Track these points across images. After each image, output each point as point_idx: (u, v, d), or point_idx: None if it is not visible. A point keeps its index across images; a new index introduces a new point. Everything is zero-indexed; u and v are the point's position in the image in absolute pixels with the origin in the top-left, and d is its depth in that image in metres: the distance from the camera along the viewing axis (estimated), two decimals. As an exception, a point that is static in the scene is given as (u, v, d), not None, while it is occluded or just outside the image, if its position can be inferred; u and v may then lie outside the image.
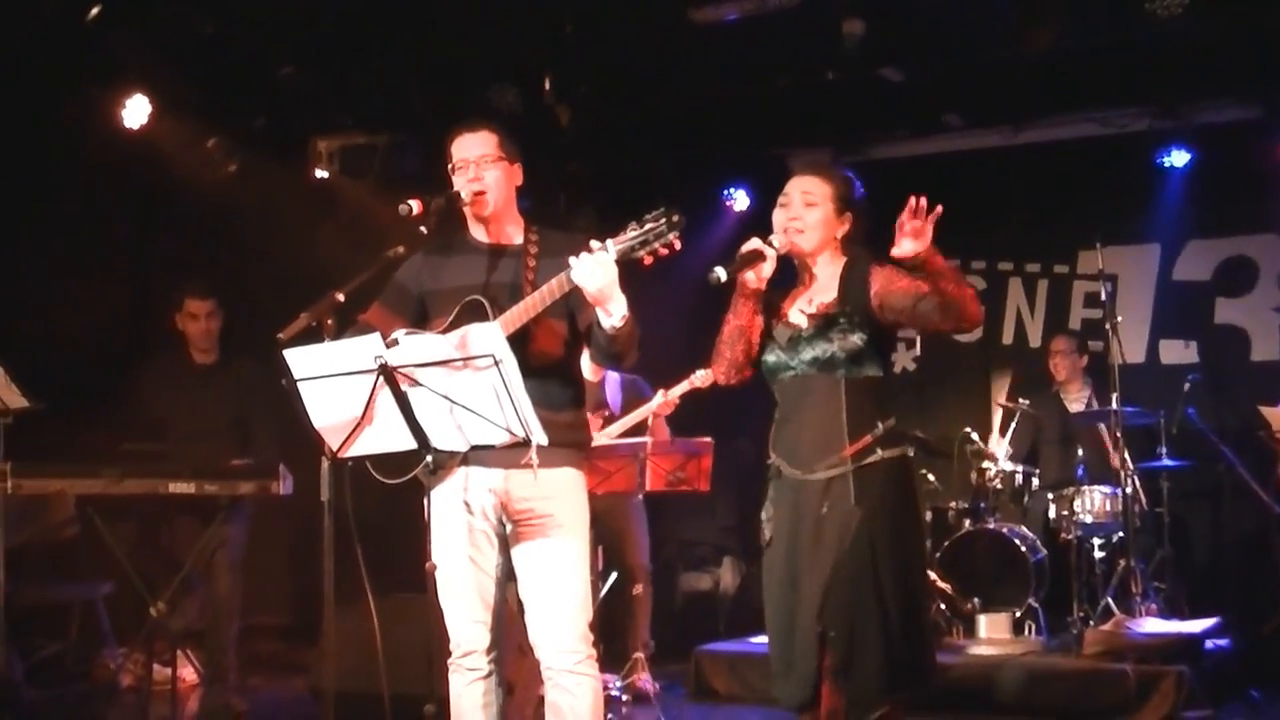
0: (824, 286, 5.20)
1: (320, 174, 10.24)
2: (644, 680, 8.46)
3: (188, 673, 8.79)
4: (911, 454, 5.17)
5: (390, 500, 5.09)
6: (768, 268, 5.10)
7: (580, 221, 10.67)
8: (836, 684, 4.97)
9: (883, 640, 4.94)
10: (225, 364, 8.41)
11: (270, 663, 9.60)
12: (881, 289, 5.08)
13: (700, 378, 8.49)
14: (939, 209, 4.77)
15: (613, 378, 8.93)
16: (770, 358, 5.20)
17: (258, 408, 8.15)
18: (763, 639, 9.20)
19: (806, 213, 5.17)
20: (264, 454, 8.07)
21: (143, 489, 7.77)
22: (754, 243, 5.11)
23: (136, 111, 9.19)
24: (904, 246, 4.82)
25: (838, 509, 4.99)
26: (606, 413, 8.72)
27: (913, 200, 4.76)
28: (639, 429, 8.45)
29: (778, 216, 5.21)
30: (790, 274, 5.31)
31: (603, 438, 8.24)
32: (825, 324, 5.10)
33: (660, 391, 8.56)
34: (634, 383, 8.94)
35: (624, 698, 8.40)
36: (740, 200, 11.82)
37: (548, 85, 9.70)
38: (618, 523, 8.64)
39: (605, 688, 8.03)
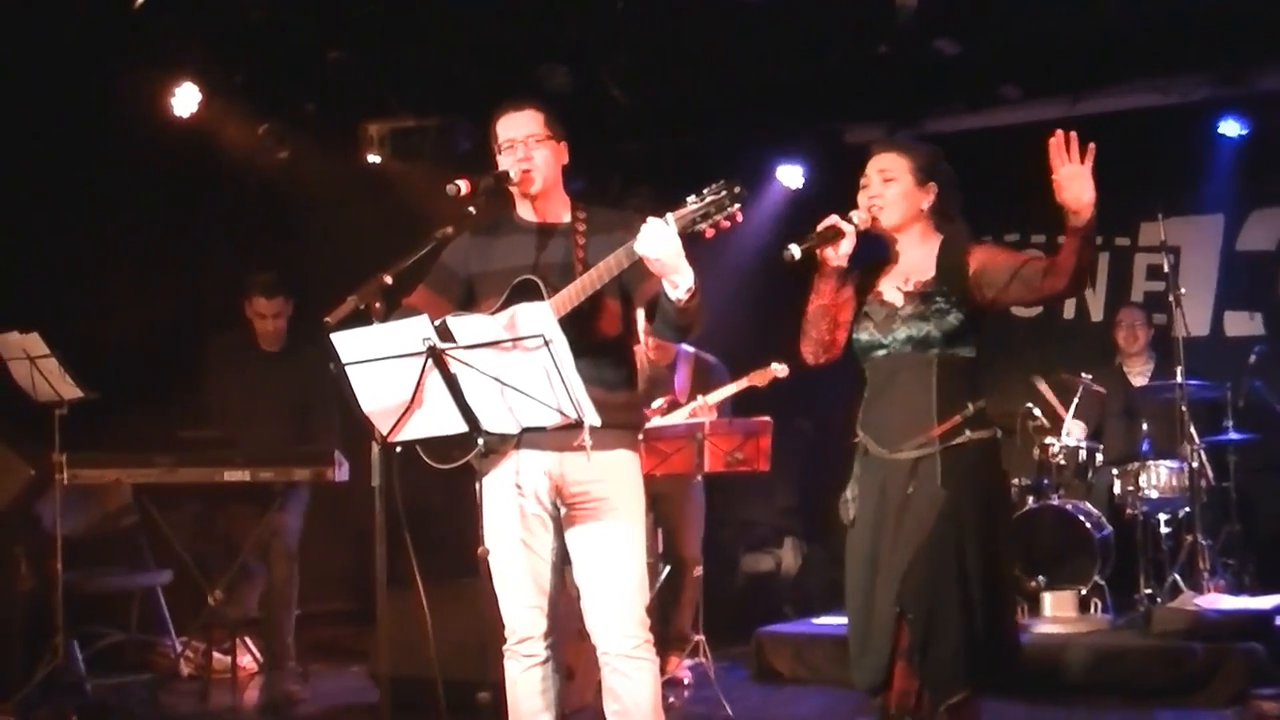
0: (919, 264, 5.13)
1: (373, 159, 10.20)
2: (682, 669, 8.42)
3: (247, 660, 8.82)
4: (1000, 436, 5.11)
5: (445, 485, 5.04)
6: (846, 245, 5.02)
7: (634, 201, 10.58)
8: (911, 666, 4.92)
9: (963, 624, 4.87)
10: (291, 351, 8.41)
11: (331, 649, 9.59)
12: (980, 266, 5.02)
13: (758, 376, 8.43)
14: (1093, 146, 4.66)
15: (684, 359, 8.86)
16: (864, 335, 5.12)
17: (319, 394, 8.14)
18: (826, 620, 9.29)
19: (885, 188, 5.11)
20: (322, 440, 8.07)
21: (197, 477, 7.82)
22: (831, 219, 5.03)
23: (186, 99, 9.19)
24: (1077, 191, 4.68)
25: (924, 490, 4.94)
26: (670, 397, 8.65)
27: (1060, 135, 4.67)
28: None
29: (860, 198, 5.15)
30: (879, 251, 5.23)
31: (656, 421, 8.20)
32: (922, 302, 5.04)
33: (699, 398, 8.50)
34: (708, 368, 8.87)
35: (685, 680, 8.36)
36: (793, 177, 11.68)
37: (600, 64, 9.64)
38: (676, 506, 8.58)
39: (664, 672, 8.06)
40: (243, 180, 9.93)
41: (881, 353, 5.07)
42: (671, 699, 7.95)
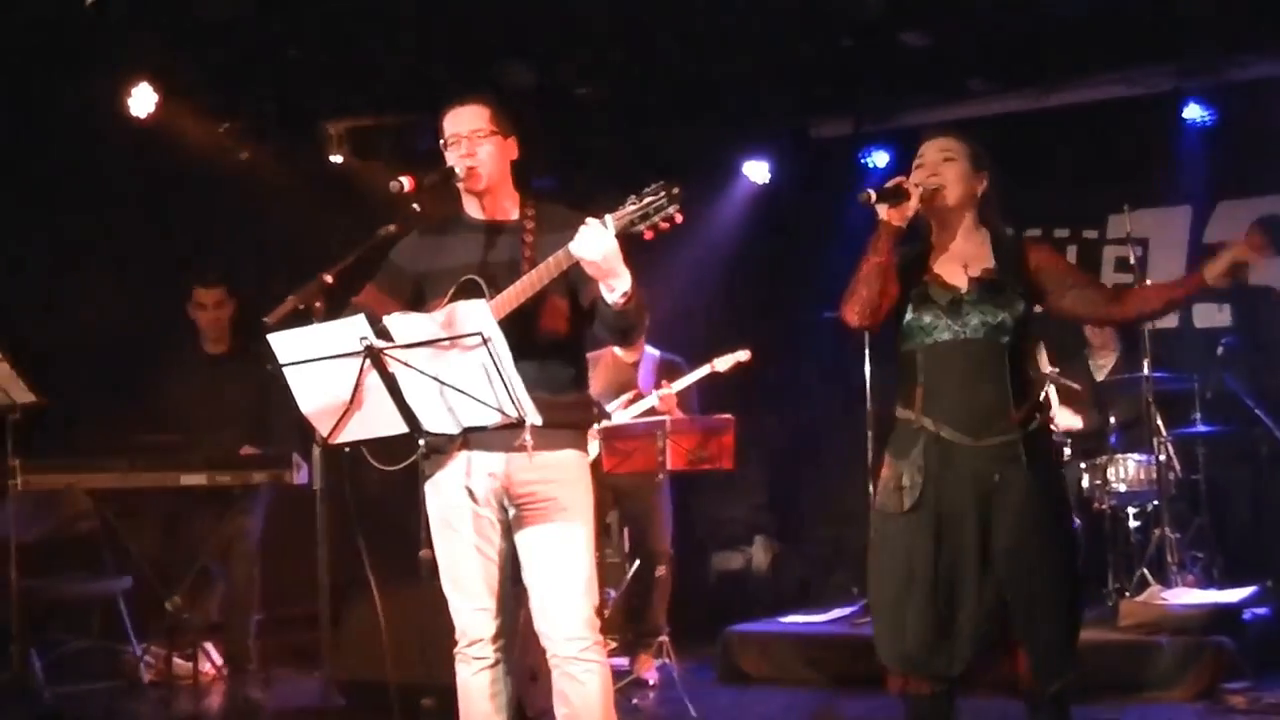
0: (975, 253, 5.18)
1: (334, 158, 10.13)
2: (649, 671, 8.37)
3: (209, 666, 8.74)
4: None
5: (403, 485, 4.98)
6: (910, 207, 5.01)
7: (600, 197, 10.51)
8: (1021, 652, 5.02)
9: (1067, 606, 5.04)
10: (240, 352, 8.34)
11: (294, 653, 9.49)
12: (1038, 265, 5.16)
13: (721, 360, 8.39)
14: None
15: (649, 358, 8.81)
16: (927, 318, 5.10)
17: (274, 396, 8.03)
18: (794, 619, 9.21)
19: (946, 167, 5.12)
20: (280, 443, 8.00)
21: (154, 481, 7.76)
22: (900, 179, 5.07)
23: (143, 100, 9.09)
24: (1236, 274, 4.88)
25: (1012, 476, 4.98)
26: (635, 391, 8.59)
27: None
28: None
29: (915, 176, 5.14)
30: (914, 238, 5.26)
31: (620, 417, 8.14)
32: (991, 289, 5.08)
33: (660, 385, 8.44)
34: (673, 364, 8.81)
35: (650, 680, 8.31)
36: (760, 172, 11.63)
37: (564, 61, 9.58)
38: (641, 504, 8.56)
39: (631, 672, 8.01)
40: (204, 181, 9.83)
41: (948, 336, 5.08)
42: (635, 700, 7.90)
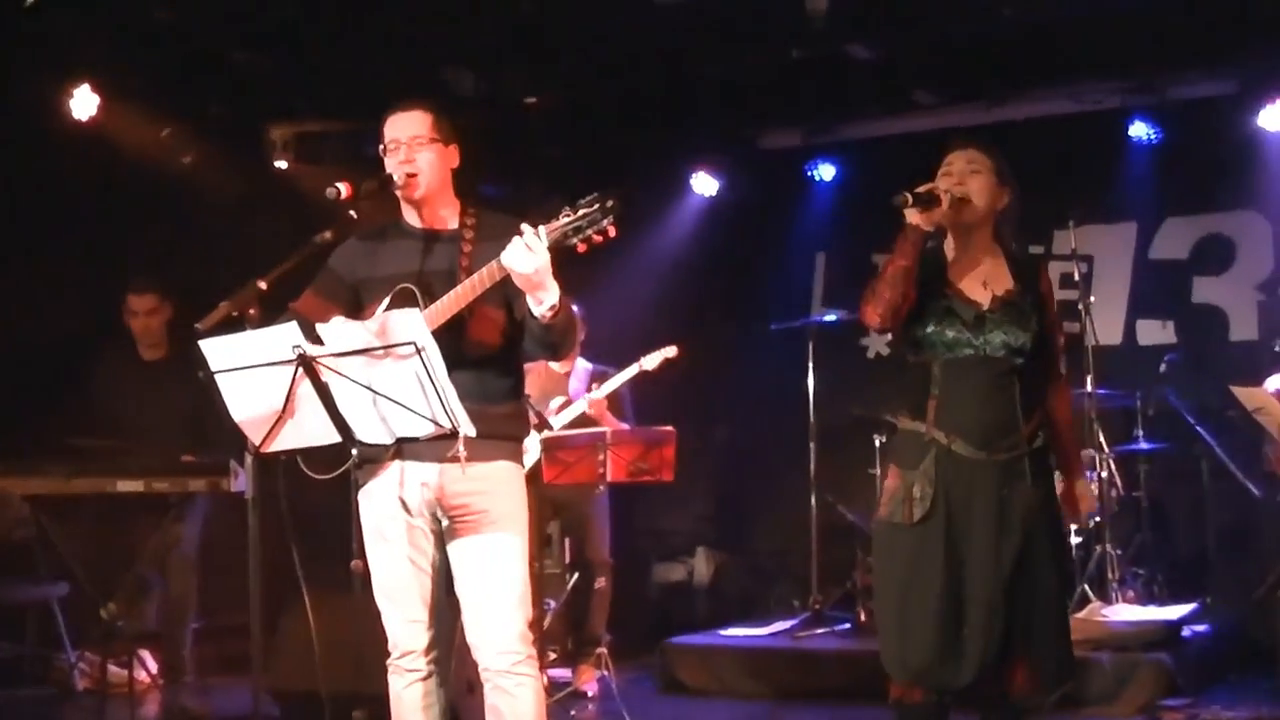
0: (995, 271, 5.27)
1: (279, 164, 10.06)
2: (590, 683, 8.34)
3: (144, 674, 8.65)
4: None
5: (338, 495, 4.93)
6: (938, 213, 5.09)
7: (549, 208, 10.47)
8: (1023, 664, 5.11)
9: (1064, 617, 5.26)
10: (177, 358, 8.25)
11: (233, 663, 9.40)
12: (1047, 295, 5.32)
13: (649, 359, 8.36)
14: None
15: (581, 370, 8.79)
16: (950, 332, 5.17)
17: (210, 403, 7.95)
18: (734, 631, 9.20)
19: (973, 179, 5.19)
20: (218, 450, 7.91)
21: (91, 488, 7.65)
22: (931, 184, 5.13)
23: (84, 102, 8.98)
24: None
25: (1018, 491, 5.10)
26: (565, 399, 8.57)
27: None
28: (586, 424, 8.29)
29: (942, 184, 5.18)
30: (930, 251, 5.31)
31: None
32: (1013, 310, 5.18)
33: (591, 388, 8.43)
34: (605, 375, 8.79)
35: (589, 692, 8.28)
36: (708, 183, 11.62)
37: (513, 69, 9.55)
38: (581, 515, 8.58)
39: (571, 684, 7.98)
40: (146, 184, 9.74)
41: (969, 352, 5.15)
42: (574, 712, 7.87)
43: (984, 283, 5.21)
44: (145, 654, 8.60)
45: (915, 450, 5.19)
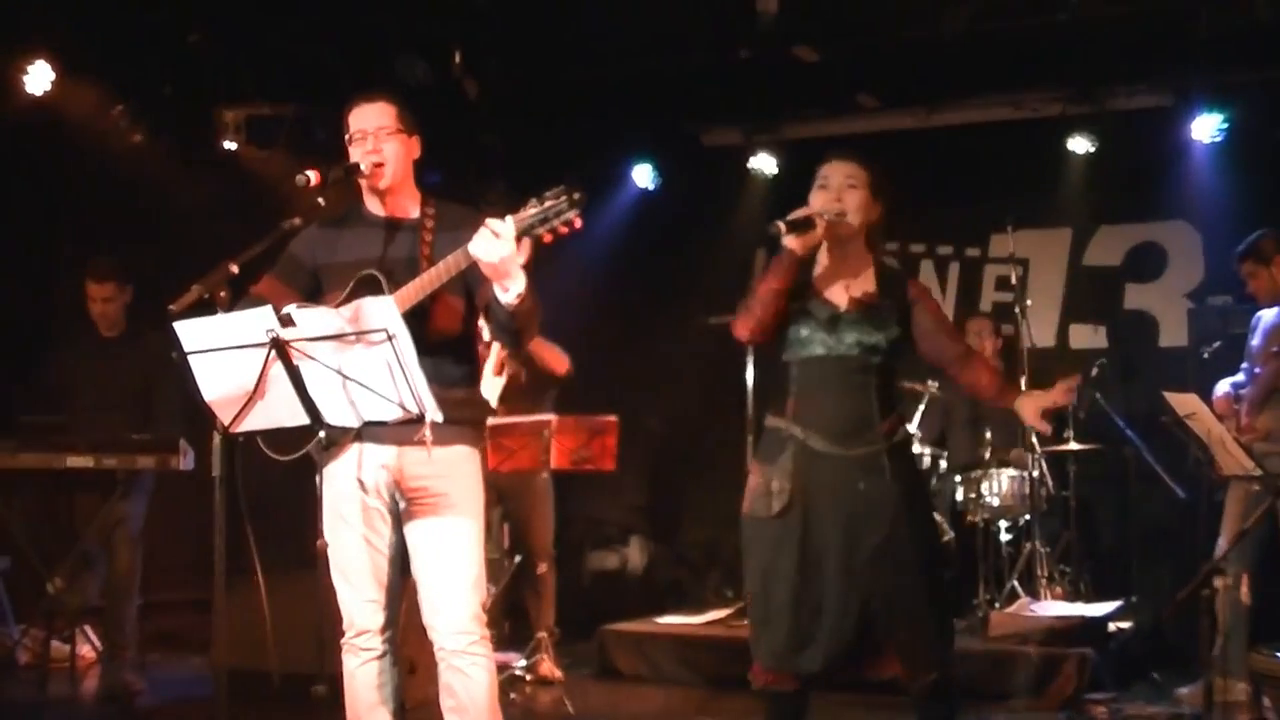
0: (859, 276, 5.38)
1: (228, 145, 10.10)
2: (547, 665, 8.42)
3: (87, 650, 8.70)
4: None
5: (289, 476, 5.01)
6: (814, 237, 5.22)
7: (490, 194, 10.56)
8: (890, 652, 5.24)
9: (932, 608, 5.24)
10: (132, 336, 8.29)
11: (172, 639, 9.46)
12: (916, 297, 5.41)
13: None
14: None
15: None
16: (805, 332, 5.30)
17: (161, 381, 8.02)
18: (670, 619, 9.32)
19: (849, 195, 5.28)
20: (166, 428, 7.97)
21: (40, 463, 7.69)
22: (807, 210, 5.22)
23: (39, 78, 9.01)
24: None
25: (876, 485, 5.19)
26: None
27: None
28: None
29: (818, 198, 5.29)
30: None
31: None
32: (870, 311, 5.29)
33: None
34: None
35: (527, 678, 8.36)
36: (648, 177, 11.74)
37: (457, 57, 9.61)
38: (524, 502, 8.62)
39: (508, 667, 8.06)
40: (97, 161, 9.76)
41: (822, 351, 5.27)
42: (514, 695, 7.95)
43: (845, 287, 5.34)
44: (88, 629, 8.66)
45: (776, 446, 5.32)
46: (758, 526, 5.33)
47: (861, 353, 5.24)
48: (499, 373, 7.90)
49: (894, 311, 5.31)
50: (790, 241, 5.17)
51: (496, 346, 7.72)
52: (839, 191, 5.26)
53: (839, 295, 5.33)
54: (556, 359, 8.52)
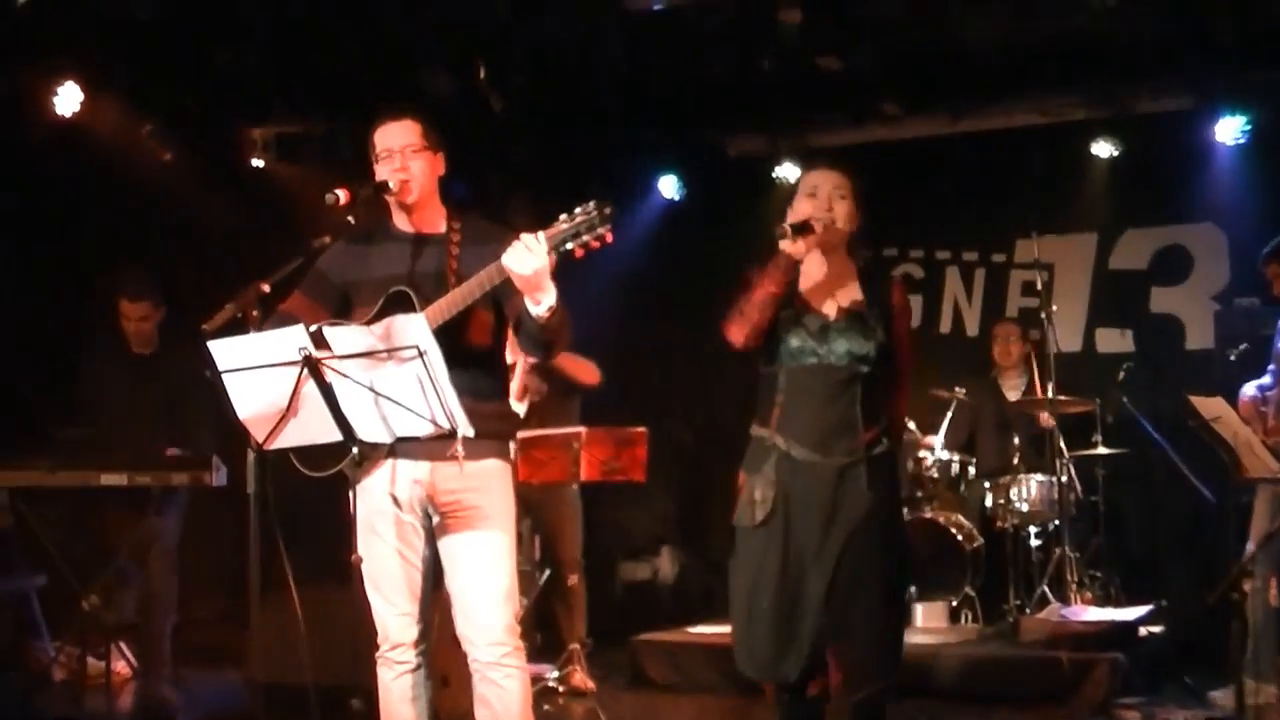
0: (846, 284, 5.42)
1: (256, 162, 10.15)
2: (579, 676, 8.45)
3: (122, 665, 8.74)
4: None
5: (323, 492, 5.06)
6: (813, 241, 5.26)
7: (515, 206, 10.61)
8: (839, 660, 5.24)
9: (882, 621, 5.25)
10: (165, 353, 8.33)
11: (206, 654, 9.50)
12: (898, 304, 5.45)
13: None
14: None
15: None
16: (795, 342, 5.32)
17: (193, 398, 8.05)
18: (702, 628, 9.33)
19: (840, 203, 5.32)
20: (198, 445, 8.01)
21: (75, 480, 7.72)
22: (805, 215, 5.26)
23: (68, 99, 9.08)
24: None
25: (852, 494, 5.21)
26: None
27: None
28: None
29: (806, 207, 5.32)
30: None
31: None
32: (858, 320, 5.32)
33: None
34: None
35: (560, 689, 8.39)
36: (673, 187, 11.79)
37: (482, 70, 9.64)
38: (553, 514, 8.64)
39: (541, 679, 8.09)
40: (126, 180, 9.81)
41: (813, 360, 5.29)
42: (547, 706, 7.97)
43: (833, 295, 5.37)
44: (123, 645, 8.70)
45: (760, 455, 5.35)
46: (743, 536, 5.38)
47: (851, 362, 5.27)
48: (521, 398, 7.90)
49: (880, 318, 5.34)
50: (790, 246, 5.21)
51: (519, 370, 7.75)
52: (828, 201, 5.30)
53: (828, 305, 5.37)
54: (586, 371, 8.56)
